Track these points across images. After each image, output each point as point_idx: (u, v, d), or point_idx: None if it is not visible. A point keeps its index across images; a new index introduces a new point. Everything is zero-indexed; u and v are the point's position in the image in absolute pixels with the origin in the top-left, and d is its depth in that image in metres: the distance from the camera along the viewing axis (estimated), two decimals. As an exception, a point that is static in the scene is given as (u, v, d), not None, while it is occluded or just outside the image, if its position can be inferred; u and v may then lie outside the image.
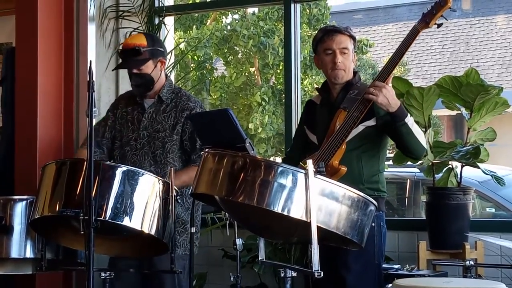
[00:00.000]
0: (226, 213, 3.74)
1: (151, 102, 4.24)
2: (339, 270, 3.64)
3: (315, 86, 4.08)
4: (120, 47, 4.34)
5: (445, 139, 11.80)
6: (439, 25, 3.64)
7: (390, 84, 3.67)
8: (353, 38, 3.86)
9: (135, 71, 4.15)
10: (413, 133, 3.63)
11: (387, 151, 4.01)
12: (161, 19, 5.98)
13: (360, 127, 3.70)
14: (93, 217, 3.19)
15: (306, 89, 10.18)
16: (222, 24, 11.70)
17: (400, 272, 4.21)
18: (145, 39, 4.20)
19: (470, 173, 5.10)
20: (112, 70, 4.47)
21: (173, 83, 4.42)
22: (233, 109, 11.14)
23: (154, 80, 4.19)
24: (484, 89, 4.61)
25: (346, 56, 3.82)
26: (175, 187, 3.51)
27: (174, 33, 7.09)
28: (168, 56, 5.93)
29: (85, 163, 3.29)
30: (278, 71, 11.03)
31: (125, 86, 5.29)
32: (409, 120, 3.62)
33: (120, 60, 4.33)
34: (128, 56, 4.16)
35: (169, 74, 5.80)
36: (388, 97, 3.55)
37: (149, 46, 4.16)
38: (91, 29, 5.67)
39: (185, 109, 4.17)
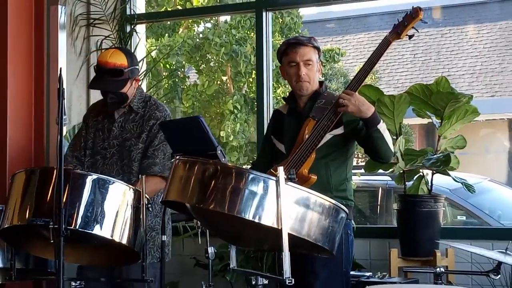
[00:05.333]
0: (198, 221, 3.72)
1: (121, 111, 4.20)
2: (307, 277, 3.64)
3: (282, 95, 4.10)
4: (96, 63, 4.20)
5: (417, 148, 11.89)
6: (410, 37, 3.66)
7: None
8: (317, 48, 3.87)
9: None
10: (384, 138, 3.66)
11: (359, 160, 4.03)
12: (132, 27, 5.96)
13: (328, 136, 3.71)
14: (63, 226, 3.17)
15: (278, 97, 10.19)
16: (194, 32, 11.68)
17: (371, 279, 4.23)
18: (125, 58, 4.09)
19: (441, 181, 5.13)
20: (90, 88, 4.39)
21: (144, 91, 4.37)
22: (205, 117, 11.12)
23: (129, 97, 4.15)
24: (454, 97, 4.65)
25: (310, 67, 3.83)
26: (146, 195, 3.49)
27: (146, 40, 7.08)
28: (140, 64, 5.92)
29: (55, 171, 3.26)
30: (251, 79, 11.02)
31: (96, 94, 5.24)
32: (381, 126, 3.65)
33: (94, 75, 4.24)
34: (108, 75, 4.05)
35: (141, 83, 5.79)
36: (357, 105, 3.58)
37: (129, 66, 4.08)
38: (62, 36, 5.63)
39: (151, 118, 4.12)
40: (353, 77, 3.70)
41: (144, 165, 4.06)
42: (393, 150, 3.82)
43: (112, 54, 4.11)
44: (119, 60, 4.06)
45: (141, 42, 6.11)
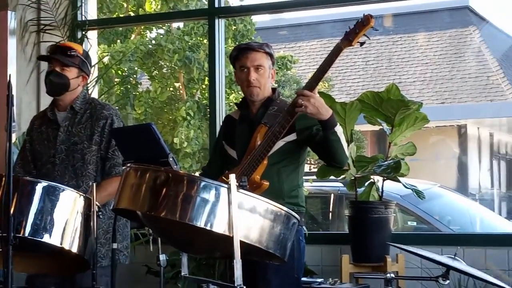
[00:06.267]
0: (149, 229, 3.70)
1: (64, 115, 4.16)
2: (259, 284, 3.64)
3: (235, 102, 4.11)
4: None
5: (368, 154, 12.02)
6: (361, 44, 3.65)
7: (317, 94, 3.69)
8: (269, 54, 3.87)
9: (57, 69, 4.07)
10: (341, 142, 3.64)
11: (311, 166, 4.03)
12: (84, 33, 5.92)
13: (280, 143, 3.71)
14: (12, 234, 3.12)
15: (231, 104, 10.21)
16: (147, 38, 11.65)
17: (322, 285, 4.25)
18: (82, 49, 4.19)
19: (392, 187, 5.18)
20: (37, 59, 4.37)
21: (87, 94, 4.33)
22: (158, 124, 11.09)
23: (69, 87, 4.09)
24: (404, 104, 4.70)
25: (261, 73, 3.83)
26: (96, 203, 3.47)
27: (98, 47, 7.03)
28: (92, 70, 5.87)
29: (4, 178, 3.22)
30: (204, 86, 11.03)
31: (47, 101, 5.21)
32: (338, 129, 3.65)
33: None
34: (60, 52, 4.09)
35: (92, 89, 5.75)
36: (317, 106, 3.55)
37: (83, 56, 4.13)
38: (12, 42, 5.57)
39: (100, 118, 4.10)
40: (304, 84, 3.70)
41: (107, 168, 4.05)
42: (348, 155, 3.83)
43: (70, 42, 4.17)
44: (75, 46, 4.17)
45: (93, 48, 6.06)
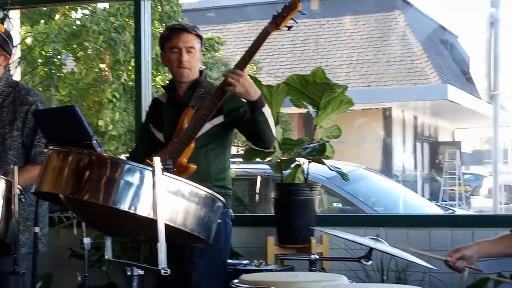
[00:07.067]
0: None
1: None
2: (185, 266, 3.65)
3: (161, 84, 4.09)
4: None
5: (296, 137, 12.11)
6: (289, 28, 3.66)
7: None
8: (199, 37, 3.89)
9: None
10: (268, 122, 3.68)
11: (238, 148, 4.04)
12: (5, 12, 5.77)
13: (208, 125, 3.72)
14: None
15: (158, 86, 10.14)
16: (71, 19, 11.44)
17: (248, 267, 4.27)
18: (3, 28, 4.07)
19: (319, 169, 5.23)
20: None
21: (10, 77, 4.22)
22: (83, 106, 10.94)
23: None
24: (329, 87, 4.75)
25: (192, 55, 3.84)
26: (18, 186, 3.40)
27: (20, 27, 6.87)
28: (14, 51, 5.74)
29: None
30: (130, 67, 10.92)
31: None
32: (267, 110, 3.68)
33: None
34: None
35: (14, 70, 5.63)
36: (246, 86, 3.57)
37: (5, 35, 4.02)
38: None
39: (24, 104, 4.01)
40: (233, 67, 3.70)
41: (33, 154, 3.97)
42: (275, 136, 3.86)
43: None
44: None
45: (15, 29, 5.93)
